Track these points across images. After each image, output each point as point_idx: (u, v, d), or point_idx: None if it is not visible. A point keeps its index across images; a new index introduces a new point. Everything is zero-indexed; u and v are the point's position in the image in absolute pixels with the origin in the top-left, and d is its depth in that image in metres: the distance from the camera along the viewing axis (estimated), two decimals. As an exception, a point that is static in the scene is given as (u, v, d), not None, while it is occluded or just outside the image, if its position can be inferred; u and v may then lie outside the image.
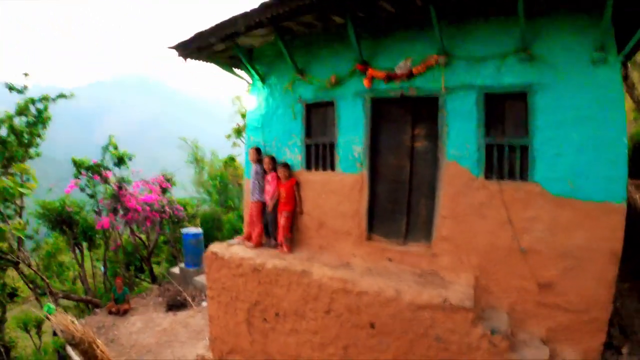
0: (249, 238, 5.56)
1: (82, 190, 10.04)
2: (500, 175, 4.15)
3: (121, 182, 10.07)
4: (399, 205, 4.81)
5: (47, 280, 9.64)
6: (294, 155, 5.40)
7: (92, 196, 10.13)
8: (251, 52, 5.85)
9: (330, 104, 5.14)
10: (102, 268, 11.57)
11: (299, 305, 4.42)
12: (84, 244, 11.72)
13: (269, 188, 5.35)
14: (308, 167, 5.31)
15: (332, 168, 5.12)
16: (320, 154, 5.24)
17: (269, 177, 5.39)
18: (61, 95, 9.27)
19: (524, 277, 4.04)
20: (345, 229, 4.96)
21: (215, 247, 5.30)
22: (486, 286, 4.23)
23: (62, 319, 5.14)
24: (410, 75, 4.49)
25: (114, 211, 9.98)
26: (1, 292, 10.44)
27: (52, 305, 8.42)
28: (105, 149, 10.10)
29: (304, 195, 5.27)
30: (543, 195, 3.91)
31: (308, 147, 5.32)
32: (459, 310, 3.71)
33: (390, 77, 4.61)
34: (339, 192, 4.97)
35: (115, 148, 10.15)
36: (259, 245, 5.37)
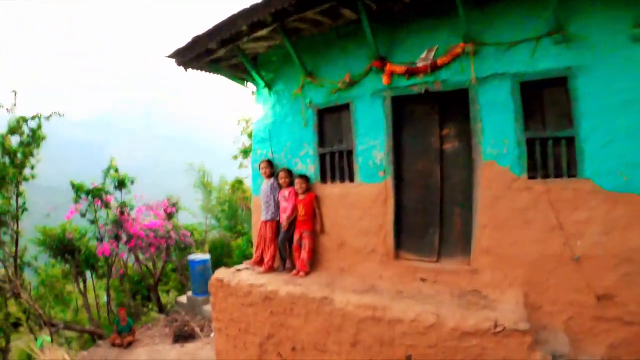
0: (259, 262, 4.97)
1: (83, 215, 9.58)
2: (545, 174, 3.59)
3: (123, 207, 9.59)
4: (430, 217, 4.21)
5: (41, 311, 9.04)
6: (305, 166, 4.87)
7: (93, 222, 9.65)
8: (255, 59, 5.42)
9: (344, 108, 4.63)
10: (105, 297, 10.98)
11: (320, 337, 3.78)
12: (88, 273, 11.18)
13: (286, 205, 4.79)
14: (323, 179, 4.77)
15: (351, 179, 4.56)
16: (336, 164, 4.70)
17: (285, 192, 4.84)
18: (54, 113, 8.92)
19: (578, 289, 3.43)
20: (369, 247, 4.35)
21: (221, 273, 4.72)
22: (536, 303, 3.60)
23: (52, 355, 4.58)
24: (434, 68, 3.98)
25: (116, 237, 9.47)
26: (5, 321, 9.87)
27: (48, 337, 7.83)
28: (107, 172, 9.69)
29: (322, 211, 4.70)
30: (595, 192, 3.35)
31: (322, 157, 4.78)
32: (513, 334, 3.08)
33: (411, 72, 4.10)
34: (359, 206, 4.39)
35: (116, 171, 9.73)
36: (270, 270, 4.78)
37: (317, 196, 4.69)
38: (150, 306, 13.13)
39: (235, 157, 14.44)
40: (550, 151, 3.56)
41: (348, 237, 4.46)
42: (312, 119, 4.86)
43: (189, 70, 5.38)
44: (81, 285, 10.91)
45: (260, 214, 5.07)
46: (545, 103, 3.66)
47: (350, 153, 4.57)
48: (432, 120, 4.21)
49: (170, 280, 14.00)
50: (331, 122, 4.84)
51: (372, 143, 4.39)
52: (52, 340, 7.84)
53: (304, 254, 4.55)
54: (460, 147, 4.09)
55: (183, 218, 14.13)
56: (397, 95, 4.23)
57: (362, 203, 4.38)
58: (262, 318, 4.11)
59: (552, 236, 3.51)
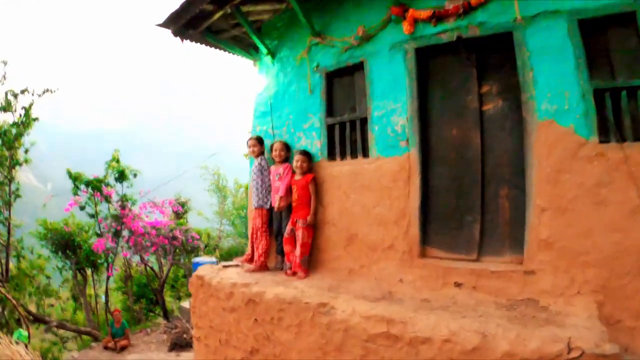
0: (250, 259, 4.10)
1: (82, 209, 9.00)
2: (621, 136, 2.60)
3: (124, 201, 8.95)
4: (468, 200, 3.21)
5: (18, 304, 8.39)
6: (310, 142, 3.97)
7: (93, 216, 9.06)
8: (260, 30, 4.64)
9: (358, 68, 3.75)
10: (103, 297, 10.36)
11: (316, 357, 2.82)
12: (89, 271, 10.60)
13: (279, 184, 3.91)
14: (331, 155, 3.85)
15: (365, 153, 3.63)
16: (347, 137, 3.78)
17: (280, 168, 3.96)
18: (46, 91, 8.42)
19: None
20: (386, 241, 3.39)
21: (204, 270, 3.85)
22: (613, 316, 2.59)
23: (5, 348, 3.89)
24: (467, 9, 3.09)
25: (116, 233, 8.83)
26: (9, 317, 9.35)
27: (24, 332, 7.20)
28: (109, 164, 9.11)
29: (326, 196, 3.77)
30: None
31: (330, 129, 3.88)
32: (597, 364, 2.06)
33: (439, 16, 3.20)
34: (375, 187, 3.45)
35: (117, 161, 9.11)
36: (262, 268, 3.89)
37: (316, 178, 3.79)
38: (157, 311, 12.49)
39: (247, 156, 13.73)
40: (625, 106, 2.61)
41: (360, 229, 3.51)
42: (319, 84, 3.98)
43: (187, 43, 4.60)
44: (81, 283, 10.36)
45: (251, 200, 4.22)
46: (611, 46, 2.75)
47: (364, 122, 3.66)
48: (467, 75, 3.25)
49: (184, 286, 13.35)
50: (341, 87, 3.95)
51: (391, 107, 3.46)
52: (29, 336, 7.19)
53: (298, 250, 3.63)
54: (506, 106, 3.12)
55: (197, 223, 13.49)
56: (422, 46, 3.32)
57: (378, 183, 3.43)
58: (245, 327, 3.19)
59: (634, 221, 2.51)
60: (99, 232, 8.97)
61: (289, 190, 3.79)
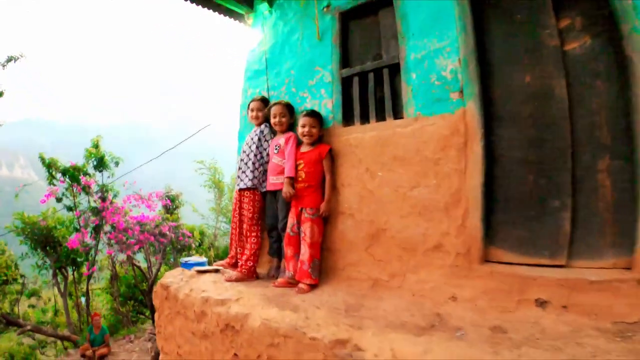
0: (234, 264, 3.07)
1: (59, 200, 7.99)
2: None
3: (104, 192, 7.93)
4: (552, 176, 2.17)
5: None
6: (318, 102, 2.94)
7: (70, 209, 8.06)
8: None
9: (384, 3, 2.71)
10: (83, 299, 9.37)
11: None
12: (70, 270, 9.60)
13: (278, 161, 2.87)
14: (347, 118, 2.81)
15: (397, 113, 2.59)
16: (370, 92, 2.74)
17: (280, 139, 2.92)
18: (11, 59, 7.48)
19: None
20: (430, 239, 2.35)
21: (172, 276, 2.83)
22: None
23: None
24: None
25: (96, 229, 7.83)
26: None
27: None
28: (88, 151, 8.07)
29: (340, 175, 2.72)
30: None
31: (346, 83, 2.84)
32: None
33: None
34: (414, 160, 2.41)
35: (96, 147, 8.07)
36: (250, 275, 2.85)
37: (333, 149, 2.75)
38: (147, 313, 11.52)
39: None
40: None
41: (390, 221, 2.47)
42: (330, 28, 2.96)
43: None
44: (61, 283, 9.37)
45: (236, 181, 3.21)
46: None
47: (395, 70, 2.62)
48: (538, 4, 2.22)
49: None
50: (360, 30, 2.92)
51: (435, 46, 2.43)
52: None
53: (305, 252, 2.61)
54: (597, 45, 2.08)
55: (192, 220, 12.49)
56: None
57: (418, 154, 2.39)
58: (222, 364, 2.15)
59: None
60: (78, 226, 7.96)
61: (292, 168, 2.74)
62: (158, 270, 10.43)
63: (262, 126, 3.08)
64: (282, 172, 2.80)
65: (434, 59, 2.44)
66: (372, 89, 2.68)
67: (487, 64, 2.34)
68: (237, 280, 2.74)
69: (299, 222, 2.68)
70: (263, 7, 3.61)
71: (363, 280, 2.54)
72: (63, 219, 9.20)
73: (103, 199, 7.94)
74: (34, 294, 12.58)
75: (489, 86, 2.32)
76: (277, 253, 2.97)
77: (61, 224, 9.00)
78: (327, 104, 2.84)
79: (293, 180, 2.71)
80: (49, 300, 11.63)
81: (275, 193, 2.89)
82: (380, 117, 2.63)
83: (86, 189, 7.85)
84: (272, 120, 2.94)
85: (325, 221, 2.72)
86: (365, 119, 2.70)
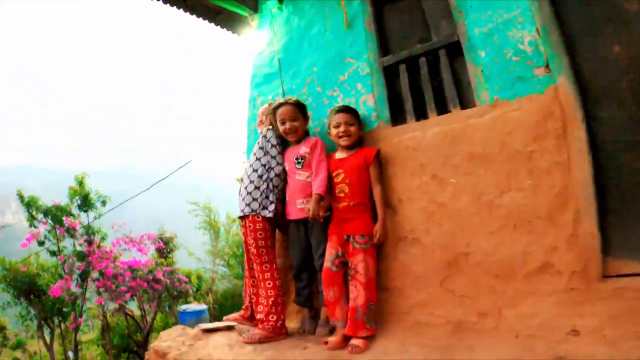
0: (250, 316, 2.34)
1: (42, 244, 7.19)
2: None
3: (90, 234, 7.16)
4: None
5: None
6: (354, 100, 2.37)
7: (54, 253, 7.25)
8: None
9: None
10: (71, 354, 8.35)
11: None
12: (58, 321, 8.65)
13: (304, 178, 2.23)
14: (396, 116, 2.23)
15: (464, 102, 2.04)
16: (422, 81, 2.19)
17: (300, 148, 2.28)
18: None
19: None
20: (532, 257, 1.75)
21: (170, 336, 2.13)
22: None
23: None
24: None
25: (82, 275, 7.02)
26: None
27: None
28: (71, 188, 7.34)
29: (395, 189, 2.10)
30: None
31: (389, 73, 2.30)
32: None
33: None
34: (498, 157, 1.83)
35: (81, 185, 7.33)
36: (278, 332, 2.13)
37: (380, 152, 2.13)
38: (142, 368, 10.38)
39: (240, 180, 12.01)
40: None
41: (474, 241, 1.85)
42: (361, 14, 2.46)
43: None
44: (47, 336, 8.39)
45: (240, 204, 2.60)
46: None
47: (454, 51, 2.09)
48: None
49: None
50: (396, 14, 2.43)
51: (503, 17, 1.95)
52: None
53: (360, 295, 1.93)
54: None
55: (188, 264, 11.67)
56: None
57: (503, 149, 1.82)
58: None
59: None
60: (63, 273, 7.14)
61: (323, 183, 2.12)
62: (153, 319, 9.46)
63: (265, 130, 2.40)
64: (302, 191, 2.19)
65: (505, 31, 1.94)
66: (426, 75, 2.13)
67: (566, 37, 1.84)
68: (261, 341, 2.03)
69: (344, 254, 2.02)
70: (271, 5, 3.13)
71: (439, 325, 1.88)
72: (48, 265, 8.35)
73: (89, 243, 7.14)
74: (19, 345, 11.48)
75: (574, 61, 1.81)
76: (309, 301, 2.26)
77: (46, 270, 8.13)
78: (367, 100, 2.28)
79: (322, 199, 2.09)
80: (35, 353, 10.49)
81: (304, 222, 2.20)
82: (441, 109, 2.07)
83: (70, 231, 7.06)
84: (281, 128, 2.29)
85: (379, 252, 2.09)
86: (420, 114, 2.13)
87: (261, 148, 2.32)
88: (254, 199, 2.22)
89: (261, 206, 2.21)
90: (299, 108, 2.31)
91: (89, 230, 7.17)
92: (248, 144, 2.95)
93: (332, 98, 2.46)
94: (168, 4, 3.50)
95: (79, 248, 7.19)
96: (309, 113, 2.39)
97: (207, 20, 3.82)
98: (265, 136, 2.35)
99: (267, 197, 2.23)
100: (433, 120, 2.03)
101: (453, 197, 1.88)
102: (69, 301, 7.42)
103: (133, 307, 9.31)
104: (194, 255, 12.76)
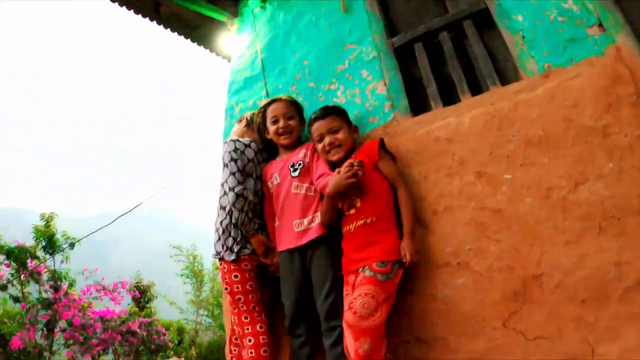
0: None
1: (4, 288, 6.31)
2: None
3: (56, 280, 6.38)
4: None
5: None
6: (359, 91, 1.89)
7: (18, 299, 6.37)
8: None
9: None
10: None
11: None
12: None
13: (306, 189, 1.66)
14: (416, 104, 1.75)
15: (503, 77, 1.60)
16: (446, 59, 1.75)
17: (300, 153, 1.74)
18: None
19: None
20: (631, 270, 1.25)
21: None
22: None
23: None
24: None
25: (48, 325, 6.18)
26: None
27: None
28: (36, 228, 6.58)
29: (425, 198, 1.56)
30: None
31: (402, 55, 1.87)
32: None
33: None
34: (562, 139, 1.37)
35: (47, 225, 6.57)
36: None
37: (387, 152, 1.59)
38: None
39: None
40: None
41: (547, 256, 1.32)
42: (361, -7, 2.06)
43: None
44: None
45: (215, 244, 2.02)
46: None
47: (480, 20, 1.69)
48: None
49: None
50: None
51: None
52: None
53: (349, 349, 1.32)
54: None
55: (169, 314, 10.71)
56: None
57: (568, 127, 1.37)
58: None
59: None
60: (27, 322, 6.25)
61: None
62: None
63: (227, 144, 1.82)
64: (315, 208, 1.60)
65: None
66: (451, 51, 1.70)
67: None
68: None
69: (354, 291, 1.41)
70: (253, 5, 2.75)
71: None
72: (16, 312, 7.39)
73: (55, 289, 6.35)
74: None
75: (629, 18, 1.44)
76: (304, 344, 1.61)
77: (12, 318, 7.16)
78: (377, 87, 1.82)
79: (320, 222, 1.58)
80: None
81: (302, 251, 1.59)
82: (475, 89, 1.63)
83: (35, 276, 6.24)
84: (273, 128, 1.77)
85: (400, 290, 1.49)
86: (447, 99, 1.68)
87: (231, 159, 1.73)
88: (219, 237, 1.70)
89: (224, 247, 1.67)
90: (295, 106, 1.84)
91: (55, 275, 6.39)
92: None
93: (330, 92, 1.99)
94: (140, 15, 3.18)
95: (44, 295, 6.40)
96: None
97: (182, 36, 3.51)
98: (236, 148, 1.76)
99: (229, 234, 1.68)
100: (468, 103, 1.57)
101: (511, 200, 1.39)
102: (35, 354, 6.51)
103: (109, 361, 8.35)
104: (176, 305, 11.70)
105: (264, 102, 1.93)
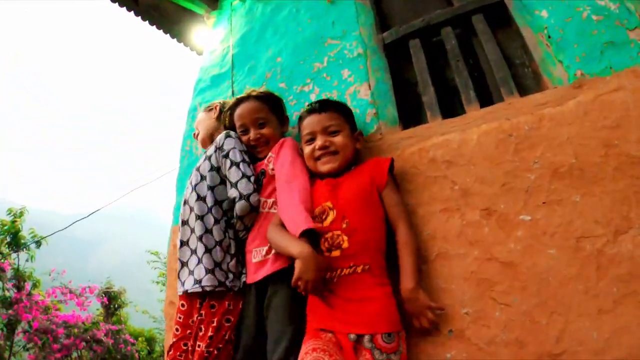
0: None
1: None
2: None
3: (20, 279, 5.99)
4: None
5: None
6: (337, 92, 1.52)
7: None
8: None
9: None
10: None
11: None
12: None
13: (266, 208, 1.27)
14: (405, 116, 1.38)
15: (520, 87, 1.23)
16: (449, 61, 1.40)
17: (261, 165, 1.36)
18: None
19: None
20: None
21: None
22: None
23: None
24: None
25: (9, 326, 5.78)
26: None
27: None
28: (1, 222, 6.16)
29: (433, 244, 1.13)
30: None
31: (393, 53, 1.51)
32: None
33: None
34: (597, 170, 1.02)
35: (14, 220, 6.13)
36: None
37: (394, 178, 1.20)
38: None
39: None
40: None
41: (568, 331, 0.95)
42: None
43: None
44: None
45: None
46: None
47: (492, 15, 1.35)
48: None
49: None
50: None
51: None
52: None
53: None
54: None
55: (142, 322, 10.18)
56: None
57: (606, 155, 1.02)
58: None
59: None
60: None
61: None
62: None
63: (221, 137, 1.39)
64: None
65: None
66: (456, 51, 1.35)
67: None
68: None
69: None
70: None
71: None
72: None
73: (18, 288, 5.93)
74: None
75: None
76: None
77: None
78: (359, 91, 1.46)
79: (317, 239, 1.11)
80: None
81: (260, 286, 1.21)
82: (484, 98, 1.28)
83: None
84: (243, 138, 1.40)
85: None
86: (448, 109, 1.32)
87: (214, 170, 1.35)
88: (216, 264, 1.23)
89: (228, 275, 1.25)
90: (269, 103, 1.43)
91: (19, 274, 5.96)
92: (180, 171, 2.03)
93: (303, 95, 1.63)
94: (117, 4, 2.89)
95: (6, 293, 5.96)
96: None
97: (161, 30, 3.23)
98: (220, 147, 1.36)
99: (235, 258, 1.28)
100: (476, 115, 1.20)
101: (528, 250, 1.02)
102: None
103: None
104: (149, 314, 11.05)
105: (230, 102, 1.54)
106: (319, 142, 1.21)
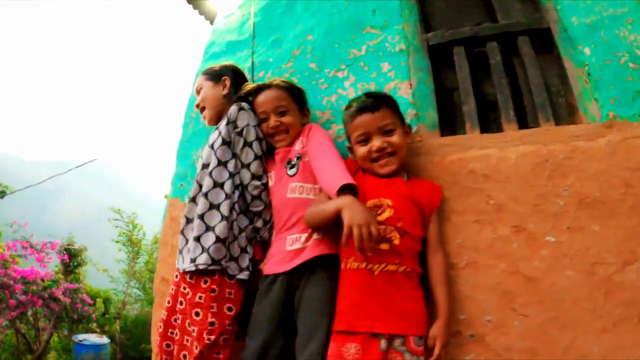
0: None
1: None
2: None
3: None
4: None
5: None
6: (376, 84, 1.51)
7: None
8: None
9: None
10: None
11: None
12: None
13: (302, 193, 1.25)
14: (446, 122, 1.41)
15: (555, 116, 1.31)
16: (493, 75, 1.45)
17: (298, 144, 1.33)
18: None
19: None
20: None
21: None
22: None
23: None
24: None
25: None
26: None
27: None
28: None
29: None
30: None
31: (434, 57, 1.51)
32: None
33: None
34: (616, 206, 1.14)
35: None
36: None
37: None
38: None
39: (168, 197, 10.20)
40: None
41: (575, 345, 1.08)
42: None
43: None
44: None
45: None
46: None
47: (538, 40, 1.42)
48: None
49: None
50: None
51: (611, 11, 1.40)
52: None
53: None
54: None
55: (99, 282, 9.86)
56: None
57: (625, 194, 1.14)
58: None
59: None
60: None
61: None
62: (47, 342, 7.76)
63: (233, 109, 1.32)
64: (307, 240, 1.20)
65: (613, 29, 1.34)
66: (499, 67, 1.40)
67: None
68: None
69: None
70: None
71: None
72: None
73: (-27, 240, 5.55)
74: None
75: None
76: None
77: None
78: (400, 88, 1.47)
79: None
80: None
81: (293, 276, 1.18)
82: (520, 119, 1.35)
83: None
84: (262, 126, 1.36)
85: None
86: (485, 123, 1.38)
87: (226, 144, 1.30)
88: (219, 241, 1.19)
89: (229, 257, 1.21)
90: (292, 93, 1.39)
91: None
92: (183, 138, 1.94)
93: (336, 80, 1.61)
94: None
95: None
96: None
97: None
98: (233, 122, 1.30)
99: (238, 243, 1.25)
100: (514, 135, 1.28)
101: (550, 268, 1.13)
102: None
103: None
104: (107, 273, 10.74)
105: (248, 87, 1.44)
106: (376, 143, 1.18)
